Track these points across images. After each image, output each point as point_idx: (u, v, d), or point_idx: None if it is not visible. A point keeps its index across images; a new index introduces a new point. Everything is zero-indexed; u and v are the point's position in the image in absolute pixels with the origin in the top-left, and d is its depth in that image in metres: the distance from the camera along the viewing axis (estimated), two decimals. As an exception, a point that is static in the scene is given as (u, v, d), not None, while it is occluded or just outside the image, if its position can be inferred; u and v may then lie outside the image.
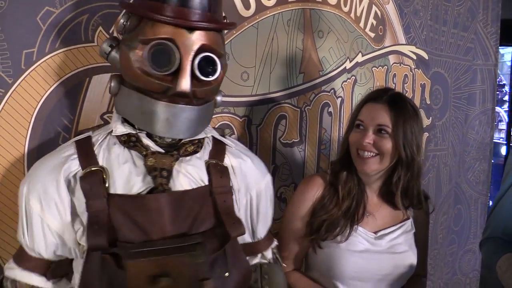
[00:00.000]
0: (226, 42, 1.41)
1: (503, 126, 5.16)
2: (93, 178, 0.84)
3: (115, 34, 0.98)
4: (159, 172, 0.86)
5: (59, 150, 0.91)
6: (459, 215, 2.70)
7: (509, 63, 4.86)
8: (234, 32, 1.44)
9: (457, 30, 2.47)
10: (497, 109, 5.23)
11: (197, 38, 0.83)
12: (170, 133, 0.86)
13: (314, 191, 1.27)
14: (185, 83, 0.81)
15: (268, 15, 1.51)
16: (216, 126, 1.42)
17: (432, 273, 2.53)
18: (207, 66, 0.85)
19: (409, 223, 1.31)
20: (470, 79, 2.62)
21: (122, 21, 0.87)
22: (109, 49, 0.89)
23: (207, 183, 0.92)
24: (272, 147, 1.60)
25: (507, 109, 5.04)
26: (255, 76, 1.51)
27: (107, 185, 0.84)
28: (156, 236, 0.84)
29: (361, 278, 1.21)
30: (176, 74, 0.82)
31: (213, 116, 1.40)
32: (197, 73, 0.83)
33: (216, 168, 0.94)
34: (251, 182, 1.01)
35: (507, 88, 5.26)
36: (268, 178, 1.07)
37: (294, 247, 1.30)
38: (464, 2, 2.48)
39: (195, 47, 0.83)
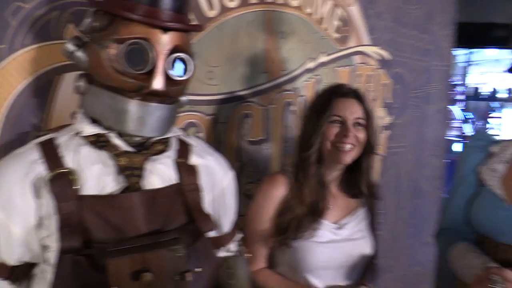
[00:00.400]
0: (191, 42, 1.43)
1: (456, 124, 5.45)
2: (62, 181, 0.83)
3: (77, 34, 0.98)
4: (131, 171, 0.88)
5: (20, 153, 0.89)
6: (417, 209, 2.83)
7: (461, 64, 5.11)
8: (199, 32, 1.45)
9: (416, 32, 2.58)
10: (452, 108, 5.52)
11: (171, 39, 0.85)
12: (143, 131, 0.88)
13: (278, 190, 1.30)
14: (159, 82, 0.84)
15: (231, 15, 1.53)
16: (183, 125, 1.45)
17: (392, 265, 2.64)
18: (180, 66, 0.88)
19: (364, 211, 1.40)
20: (427, 79, 2.74)
21: (88, 20, 0.87)
22: (74, 48, 0.88)
23: (176, 181, 0.95)
24: (238, 145, 1.63)
25: (460, 107, 5.31)
26: (220, 76, 1.53)
27: (77, 186, 0.84)
28: (131, 235, 0.85)
29: (328, 267, 1.28)
30: (150, 73, 0.84)
31: (181, 115, 1.43)
32: (171, 72, 0.86)
33: (185, 167, 0.97)
34: (215, 179, 1.05)
35: (460, 88, 5.55)
36: (230, 174, 1.11)
37: (260, 247, 1.32)
38: (423, 5, 2.59)
39: (169, 47, 0.85)
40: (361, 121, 1.28)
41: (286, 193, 1.29)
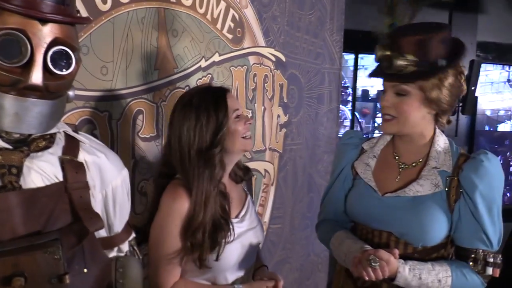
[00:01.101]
0: (85, 36, 1.39)
1: (347, 122, 5.95)
2: None
3: None
4: (7, 170, 0.83)
5: None
6: (311, 202, 3.02)
7: (351, 68, 5.58)
8: (93, 25, 1.42)
9: (309, 36, 2.76)
10: (343, 107, 5.99)
11: (50, 31, 0.82)
12: (20, 128, 0.84)
13: (182, 206, 1.22)
14: (36, 76, 0.80)
15: (123, 11, 1.51)
16: (77, 121, 1.39)
17: (290, 256, 2.79)
18: (60, 59, 0.84)
19: (249, 197, 1.47)
20: (319, 81, 2.94)
21: None
22: None
23: (61, 179, 0.91)
24: (132, 141, 1.61)
25: (350, 108, 5.78)
26: (114, 71, 1.51)
27: None
28: (7, 237, 0.81)
29: (241, 260, 1.32)
30: (27, 66, 0.80)
31: (75, 111, 1.39)
32: (50, 66, 0.83)
33: (71, 164, 0.94)
34: (106, 178, 1.02)
35: (350, 90, 6.04)
36: (124, 173, 1.09)
37: (173, 267, 1.25)
38: (315, 12, 2.78)
39: (48, 39, 0.82)
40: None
41: (189, 207, 1.22)
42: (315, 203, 3.05)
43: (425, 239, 1.28)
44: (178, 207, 1.22)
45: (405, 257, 1.28)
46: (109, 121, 1.50)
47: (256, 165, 2.30)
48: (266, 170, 2.43)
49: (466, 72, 1.33)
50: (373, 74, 1.35)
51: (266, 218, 2.50)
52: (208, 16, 1.90)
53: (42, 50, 0.81)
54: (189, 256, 1.23)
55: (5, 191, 0.82)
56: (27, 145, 0.88)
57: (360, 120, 6.08)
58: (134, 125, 1.61)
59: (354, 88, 5.57)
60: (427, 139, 1.34)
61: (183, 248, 1.22)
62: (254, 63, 2.23)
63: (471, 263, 1.27)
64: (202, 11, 1.86)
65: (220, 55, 1.98)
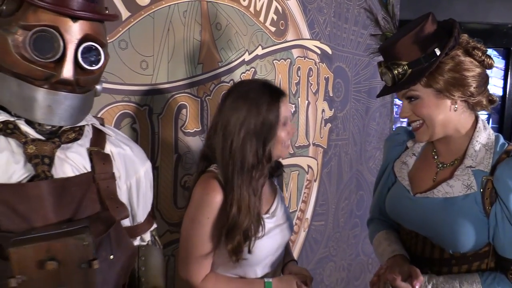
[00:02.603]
0: (123, 30, 1.42)
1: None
2: None
3: None
4: (40, 160, 0.86)
5: None
6: (361, 200, 2.92)
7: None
8: (132, 20, 1.44)
9: (357, 27, 2.65)
10: (399, 102, 5.69)
11: (81, 28, 0.85)
12: (52, 120, 0.87)
13: (215, 199, 1.20)
14: (68, 71, 0.84)
15: (164, 5, 1.53)
16: (116, 115, 1.43)
17: (334, 254, 2.72)
18: (90, 55, 0.88)
19: (279, 191, 1.44)
20: (370, 74, 2.82)
21: None
22: None
23: (89, 169, 0.94)
24: (174, 136, 1.62)
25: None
26: (154, 65, 1.52)
27: None
28: (39, 224, 0.84)
29: (271, 255, 1.32)
30: (59, 61, 0.83)
31: (113, 105, 1.42)
32: (81, 61, 0.86)
33: (99, 155, 0.97)
34: (131, 169, 1.05)
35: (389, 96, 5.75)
36: (147, 165, 1.11)
37: (204, 261, 1.24)
38: (365, 1, 2.66)
39: (79, 36, 0.85)
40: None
41: (223, 200, 1.19)
42: (365, 201, 2.95)
43: (456, 245, 1.17)
44: (210, 200, 1.20)
45: (442, 263, 1.19)
46: (149, 115, 1.52)
47: (299, 160, 2.26)
48: (309, 166, 2.37)
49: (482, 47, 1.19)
50: (380, 94, 1.29)
51: (309, 214, 2.44)
52: (252, 9, 1.87)
53: (74, 46, 0.85)
54: (221, 249, 1.21)
55: (38, 180, 0.86)
56: (58, 136, 0.91)
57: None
58: (176, 119, 1.62)
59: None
60: (465, 134, 1.21)
61: (214, 241, 1.21)
62: (298, 56, 2.17)
63: (510, 276, 1.13)
64: (245, 3, 1.84)
65: (263, 48, 1.95)
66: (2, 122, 0.87)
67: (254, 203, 1.21)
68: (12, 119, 0.87)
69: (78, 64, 0.86)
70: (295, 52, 2.16)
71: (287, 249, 1.47)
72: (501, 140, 1.21)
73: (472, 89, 1.16)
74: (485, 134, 1.21)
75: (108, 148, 1.01)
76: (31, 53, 0.81)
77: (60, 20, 0.83)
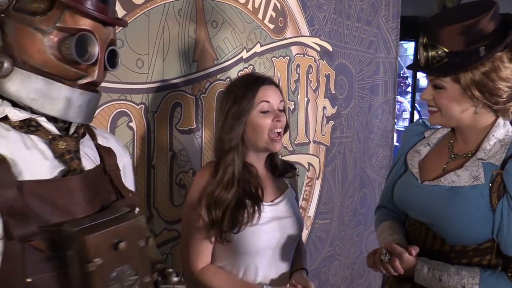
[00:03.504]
0: (119, 29, 1.42)
1: (406, 115, 5.59)
2: (1, 167, 0.81)
3: None
4: (73, 155, 0.90)
5: None
6: (364, 198, 2.90)
7: (411, 57, 5.23)
8: (127, 19, 1.44)
9: (360, 24, 2.63)
10: (401, 99, 5.66)
11: (108, 33, 0.92)
12: (81, 119, 0.92)
13: (203, 181, 1.29)
14: (99, 73, 0.90)
15: (159, 3, 1.53)
16: (112, 114, 1.44)
17: (339, 253, 2.70)
18: (112, 58, 0.95)
19: (290, 191, 1.44)
20: (373, 71, 2.80)
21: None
22: None
23: (99, 162, 0.99)
24: (169, 134, 1.63)
25: (410, 99, 5.43)
26: (149, 64, 1.53)
27: (16, 173, 0.83)
28: (80, 215, 0.88)
29: (270, 247, 1.31)
30: (93, 64, 0.89)
31: (110, 104, 1.43)
32: (107, 64, 0.92)
33: (103, 148, 1.02)
34: (119, 158, 1.08)
35: (410, 80, 5.67)
36: (128, 155, 1.15)
37: (203, 242, 1.29)
38: (367, -1, 2.64)
39: (107, 40, 0.91)
40: (282, 106, 1.32)
41: (209, 183, 1.28)
42: (368, 199, 2.92)
43: (457, 235, 1.15)
44: (199, 181, 1.29)
45: (442, 256, 1.18)
46: (145, 113, 1.53)
47: (298, 158, 2.24)
48: (310, 164, 2.35)
49: None
50: (410, 67, 1.27)
51: (311, 213, 2.43)
52: (250, 6, 1.87)
53: (104, 50, 0.91)
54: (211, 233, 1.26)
55: (76, 174, 0.90)
56: (75, 132, 0.95)
57: (420, 112, 5.68)
58: (171, 117, 1.62)
59: (414, 78, 5.18)
60: (483, 128, 1.19)
61: (205, 223, 1.26)
62: (297, 53, 2.16)
63: (510, 274, 1.10)
64: (243, 1, 1.83)
65: (261, 45, 1.94)
66: (24, 120, 0.89)
67: (237, 179, 1.27)
68: (34, 116, 0.89)
69: (104, 66, 0.92)
70: (294, 49, 2.15)
71: (299, 256, 1.45)
72: None
73: (500, 99, 1.12)
74: (503, 130, 1.18)
75: (100, 141, 1.04)
76: (72, 55, 0.85)
77: (95, 26, 0.88)
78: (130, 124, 1.49)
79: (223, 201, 1.25)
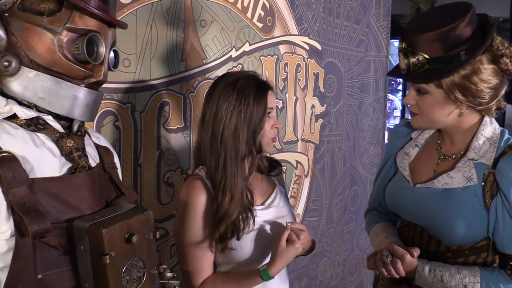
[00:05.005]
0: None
1: (397, 113, 5.63)
2: (13, 165, 0.82)
3: None
4: (81, 152, 0.93)
5: None
6: (355, 196, 2.92)
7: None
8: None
9: (349, 23, 2.64)
10: (392, 97, 5.69)
11: (112, 34, 0.96)
12: (87, 117, 0.94)
13: (200, 199, 1.22)
14: (105, 73, 0.94)
15: (147, 3, 1.53)
16: (99, 113, 1.44)
17: (328, 250, 2.72)
18: (114, 58, 0.99)
19: (278, 188, 1.43)
20: (363, 69, 2.81)
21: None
22: None
23: (99, 160, 1.01)
24: (157, 133, 1.63)
25: (400, 97, 5.46)
26: (136, 63, 1.53)
27: (27, 170, 0.84)
28: (87, 212, 0.91)
29: (267, 251, 1.28)
30: (98, 63, 0.92)
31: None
32: (110, 64, 0.97)
33: (101, 147, 1.05)
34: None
35: (400, 78, 5.70)
36: (116, 155, 1.15)
37: (203, 257, 1.24)
38: (356, -3, 2.65)
39: (111, 41, 0.95)
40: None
41: (207, 199, 1.22)
42: (359, 197, 2.95)
43: (452, 236, 1.17)
44: (194, 200, 1.21)
45: (438, 256, 1.20)
46: (132, 112, 1.53)
47: (286, 156, 2.26)
48: (298, 162, 2.37)
49: None
50: (391, 73, 1.26)
51: (300, 210, 2.44)
52: (239, 5, 1.88)
53: (108, 50, 0.94)
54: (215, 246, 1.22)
55: (84, 171, 0.92)
56: (78, 130, 0.97)
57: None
58: (159, 116, 1.63)
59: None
60: (469, 128, 1.20)
61: (206, 241, 1.21)
62: (285, 52, 2.17)
63: (508, 272, 1.13)
64: (232, 0, 1.84)
65: (250, 44, 1.95)
66: (32, 118, 0.90)
67: (246, 192, 1.24)
68: (41, 115, 0.91)
69: (108, 66, 0.96)
70: (283, 48, 2.16)
71: None
72: (506, 135, 1.20)
73: (483, 100, 1.13)
74: (491, 128, 1.20)
75: (94, 140, 1.06)
76: (83, 55, 0.87)
77: (102, 27, 0.91)
78: (117, 123, 1.49)
79: (228, 216, 1.20)
